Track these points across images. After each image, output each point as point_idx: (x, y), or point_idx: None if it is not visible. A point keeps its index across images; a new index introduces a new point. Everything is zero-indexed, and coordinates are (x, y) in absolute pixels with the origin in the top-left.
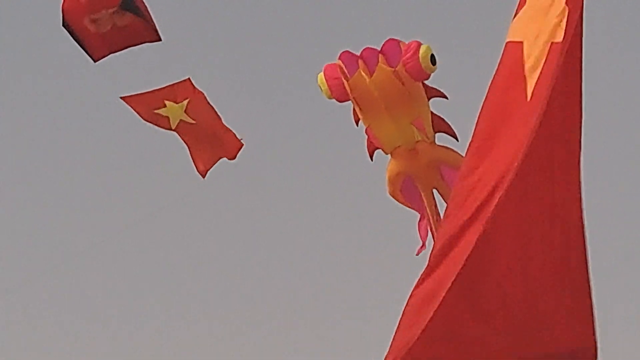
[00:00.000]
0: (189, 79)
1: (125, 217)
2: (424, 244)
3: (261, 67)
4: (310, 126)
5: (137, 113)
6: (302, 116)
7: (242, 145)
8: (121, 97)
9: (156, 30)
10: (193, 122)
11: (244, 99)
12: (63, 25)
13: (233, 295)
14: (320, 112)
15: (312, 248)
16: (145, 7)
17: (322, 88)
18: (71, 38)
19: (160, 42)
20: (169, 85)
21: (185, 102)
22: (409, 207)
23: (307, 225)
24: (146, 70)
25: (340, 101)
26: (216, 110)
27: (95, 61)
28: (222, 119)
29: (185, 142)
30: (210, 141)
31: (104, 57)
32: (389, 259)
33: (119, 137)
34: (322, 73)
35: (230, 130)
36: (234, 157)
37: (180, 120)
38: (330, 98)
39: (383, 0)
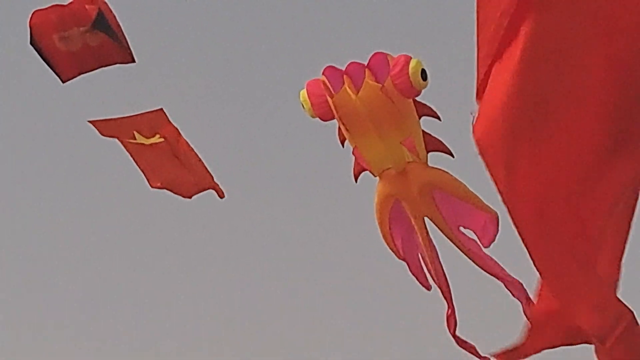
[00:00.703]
0: (161, 109)
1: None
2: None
3: (240, 86)
4: (292, 146)
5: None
6: (283, 136)
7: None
8: (89, 121)
9: (130, 52)
10: (163, 140)
11: (221, 116)
12: (31, 43)
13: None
14: (303, 130)
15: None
16: (120, 27)
17: (305, 106)
18: (39, 56)
19: (133, 64)
20: (140, 114)
21: (157, 139)
22: (394, 250)
23: (285, 252)
24: (117, 92)
25: (324, 120)
26: (194, 150)
27: (63, 81)
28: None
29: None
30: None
31: (73, 77)
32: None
33: (86, 158)
34: (304, 90)
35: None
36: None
37: (152, 143)
38: (313, 116)
39: (370, 11)
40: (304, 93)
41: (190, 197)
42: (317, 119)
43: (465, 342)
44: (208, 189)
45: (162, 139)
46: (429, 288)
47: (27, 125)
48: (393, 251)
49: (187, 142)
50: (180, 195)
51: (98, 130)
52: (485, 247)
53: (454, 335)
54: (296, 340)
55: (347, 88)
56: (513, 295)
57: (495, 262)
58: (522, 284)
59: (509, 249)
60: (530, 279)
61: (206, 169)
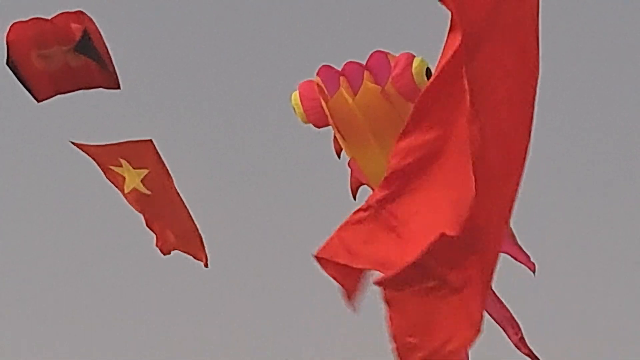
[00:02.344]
0: (150, 141)
1: None
2: None
3: (229, 97)
4: (284, 157)
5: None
6: (274, 146)
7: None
8: (73, 143)
9: (115, 77)
10: (148, 193)
11: (209, 126)
12: (7, 62)
13: None
14: (294, 139)
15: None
16: (106, 49)
17: (297, 110)
18: (12, 73)
19: (118, 90)
20: (128, 142)
21: (143, 172)
22: None
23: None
24: (100, 117)
25: (318, 127)
26: (180, 195)
27: (38, 101)
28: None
29: (138, 210)
30: (169, 221)
31: (49, 97)
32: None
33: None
34: (296, 92)
35: (198, 235)
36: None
37: (134, 188)
38: (306, 123)
39: (369, 7)
40: (295, 96)
41: (166, 254)
42: (310, 125)
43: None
44: (189, 253)
45: (147, 191)
46: None
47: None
48: None
49: (174, 187)
50: (159, 249)
51: (83, 150)
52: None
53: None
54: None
55: (344, 91)
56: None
57: (498, 299)
58: (518, 325)
59: None
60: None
61: (195, 227)
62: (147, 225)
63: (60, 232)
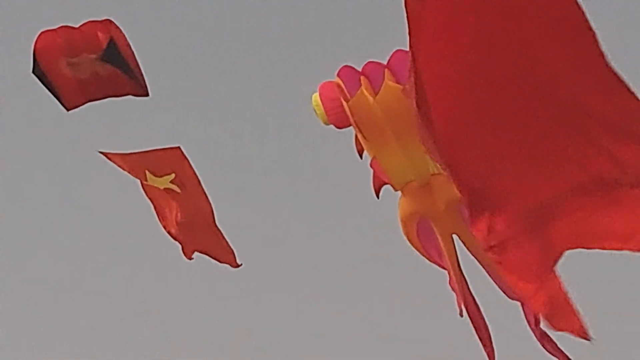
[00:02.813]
0: (179, 148)
1: None
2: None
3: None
4: (306, 159)
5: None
6: (296, 148)
7: (237, 265)
8: (101, 152)
9: (143, 84)
10: (179, 191)
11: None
12: (34, 70)
13: None
14: (316, 141)
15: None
16: (134, 57)
17: (318, 111)
18: (40, 82)
19: (147, 97)
20: (155, 150)
21: (170, 177)
22: (428, 258)
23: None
24: (129, 124)
25: (339, 127)
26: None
27: (68, 110)
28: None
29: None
30: (199, 225)
31: (79, 106)
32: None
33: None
34: (317, 93)
35: (224, 239)
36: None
37: (166, 187)
38: (327, 123)
39: (388, 7)
40: (316, 97)
41: (189, 258)
42: (332, 126)
43: None
44: (216, 257)
45: (174, 185)
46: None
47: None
48: (427, 258)
49: (202, 189)
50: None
51: (111, 160)
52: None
53: None
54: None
55: (365, 90)
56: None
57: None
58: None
59: None
60: None
61: (221, 235)
62: (169, 231)
63: (88, 240)
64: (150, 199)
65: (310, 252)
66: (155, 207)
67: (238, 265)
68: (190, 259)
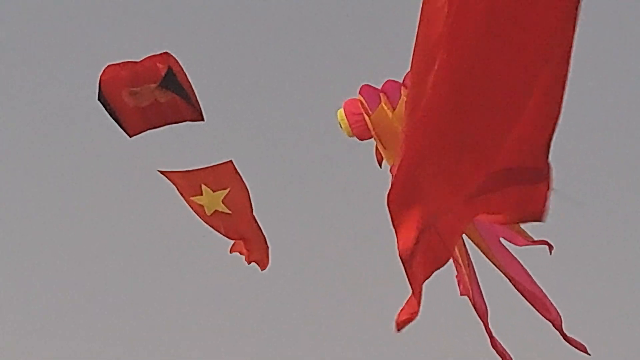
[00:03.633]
0: (231, 162)
1: None
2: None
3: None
4: (333, 168)
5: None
6: (325, 158)
7: (267, 263)
8: (160, 171)
9: (199, 110)
10: (229, 212)
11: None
12: (99, 98)
13: None
14: (342, 151)
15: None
16: (190, 85)
17: (343, 125)
18: (105, 111)
19: (202, 122)
20: (209, 167)
21: (224, 192)
22: None
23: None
24: (184, 148)
25: (361, 139)
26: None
27: (130, 136)
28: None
29: (218, 231)
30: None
31: (140, 132)
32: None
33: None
34: (341, 109)
35: (262, 236)
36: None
37: (216, 210)
38: (350, 136)
39: (404, 33)
40: (341, 112)
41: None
42: (355, 138)
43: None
44: (254, 260)
45: (224, 206)
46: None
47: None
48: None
49: (251, 203)
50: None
51: (169, 179)
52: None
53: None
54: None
55: (384, 106)
56: (544, 316)
57: (534, 282)
58: (556, 310)
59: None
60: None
61: (263, 235)
62: (232, 245)
63: (146, 255)
64: (199, 215)
65: (333, 248)
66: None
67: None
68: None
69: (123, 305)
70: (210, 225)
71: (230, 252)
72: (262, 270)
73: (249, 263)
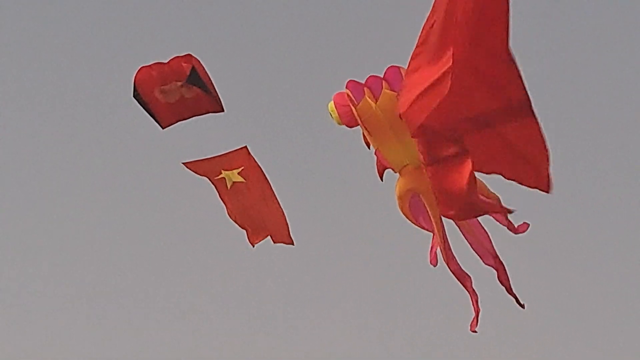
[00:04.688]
0: (245, 147)
1: None
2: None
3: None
4: (328, 151)
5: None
6: (320, 143)
7: (291, 242)
8: (183, 163)
9: (220, 102)
10: (244, 181)
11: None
12: (134, 95)
13: None
14: (334, 138)
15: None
16: (211, 81)
17: (333, 115)
18: (141, 107)
19: (222, 113)
20: (227, 153)
21: (239, 169)
22: (416, 224)
23: (319, 231)
24: (208, 137)
25: (350, 127)
26: (273, 189)
27: (163, 128)
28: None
29: (236, 217)
30: (260, 213)
31: (171, 124)
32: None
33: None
34: (332, 102)
35: (282, 212)
36: (289, 241)
37: (234, 182)
38: (340, 124)
39: (383, 33)
40: (331, 104)
41: (253, 245)
42: (344, 126)
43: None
44: (279, 241)
45: (241, 177)
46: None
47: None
48: (418, 226)
49: (267, 180)
50: (248, 239)
51: (192, 170)
52: (517, 230)
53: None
54: None
55: (368, 98)
56: (498, 278)
57: (493, 250)
58: (504, 270)
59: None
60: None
61: (282, 213)
62: (239, 223)
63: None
64: (221, 197)
65: (328, 222)
66: (225, 203)
67: (292, 243)
68: (254, 245)
69: (161, 285)
70: (231, 206)
71: (254, 244)
72: (292, 244)
73: (275, 243)
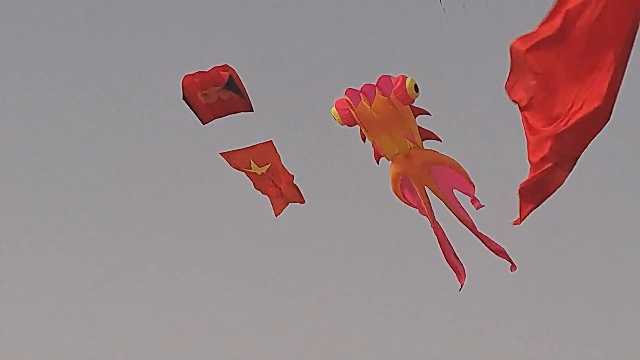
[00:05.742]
0: (271, 141)
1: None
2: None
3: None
4: (333, 145)
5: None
6: (326, 139)
7: (304, 201)
8: (220, 153)
9: (250, 104)
10: (272, 175)
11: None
12: (183, 98)
13: None
14: (338, 135)
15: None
16: (243, 85)
17: (336, 118)
18: (187, 107)
19: (252, 112)
20: (255, 145)
21: (267, 166)
22: (407, 203)
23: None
24: (240, 131)
25: (350, 126)
26: (288, 170)
27: (204, 124)
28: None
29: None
30: (284, 189)
31: (210, 121)
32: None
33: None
34: (334, 107)
35: (297, 188)
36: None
37: (262, 173)
38: (342, 125)
39: (376, 49)
40: (333, 109)
41: (277, 215)
42: (345, 126)
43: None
44: (294, 201)
45: (269, 167)
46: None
47: (173, 156)
48: (407, 204)
49: (284, 168)
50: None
51: (227, 160)
52: (476, 205)
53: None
54: None
55: (364, 102)
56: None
57: (471, 220)
58: (489, 239)
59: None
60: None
61: (296, 187)
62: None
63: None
64: (252, 180)
65: (333, 203)
66: (255, 185)
67: (304, 201)
68: (277, 215)
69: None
70: (261, 185)
71: (278, 214)
72: (303, 202)
73: (287, 203)
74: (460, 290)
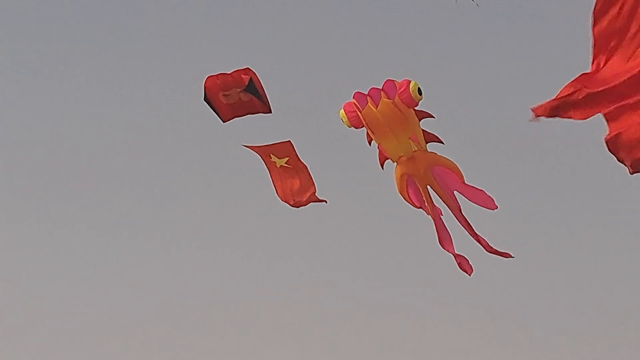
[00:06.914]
0: (289, 141)
1: None
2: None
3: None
4: (341, 146)
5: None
6: (335, 139)
7: (324, 200)
8: (243, 144)
9: (269, 106)
10: (290, 166)
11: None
12: (204, 99)
13: None
14: (345, 136)
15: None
16: (263, 88)
17: (343, 120)
18: (208, 106)
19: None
20: (275, 143)
21: (285, 159)
22: (412, 204)
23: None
24: (259, 131)
25: (357, 128)
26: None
27: (224, 122)
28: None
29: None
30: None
31: (230, 120)
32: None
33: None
34: (342, 109)
35: (314, 184)
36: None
37: (282, 165)
38: (349, 127)
39: (381, 55)
40: (342, 112)
41: (297, 207)
42: (352, 128)
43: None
44: (312, 201)
45: (289, 165)
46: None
47: (197, 152)
48: (412, 205)
49: (303, 164)
50: (291, 205)
51: (252, 149)
52: (491, 207)
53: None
54: None
55: (370, 105)
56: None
57: (466, 219)
58: (482, 238)
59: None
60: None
61: (312, 182)
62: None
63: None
64: (271, 175)
65: (340, 201)
66: (273, 180)
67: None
68: (299, 207)
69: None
70: (280, 179)
71: (298, 205)
72: (324, 201)
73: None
74: (470, 275)
